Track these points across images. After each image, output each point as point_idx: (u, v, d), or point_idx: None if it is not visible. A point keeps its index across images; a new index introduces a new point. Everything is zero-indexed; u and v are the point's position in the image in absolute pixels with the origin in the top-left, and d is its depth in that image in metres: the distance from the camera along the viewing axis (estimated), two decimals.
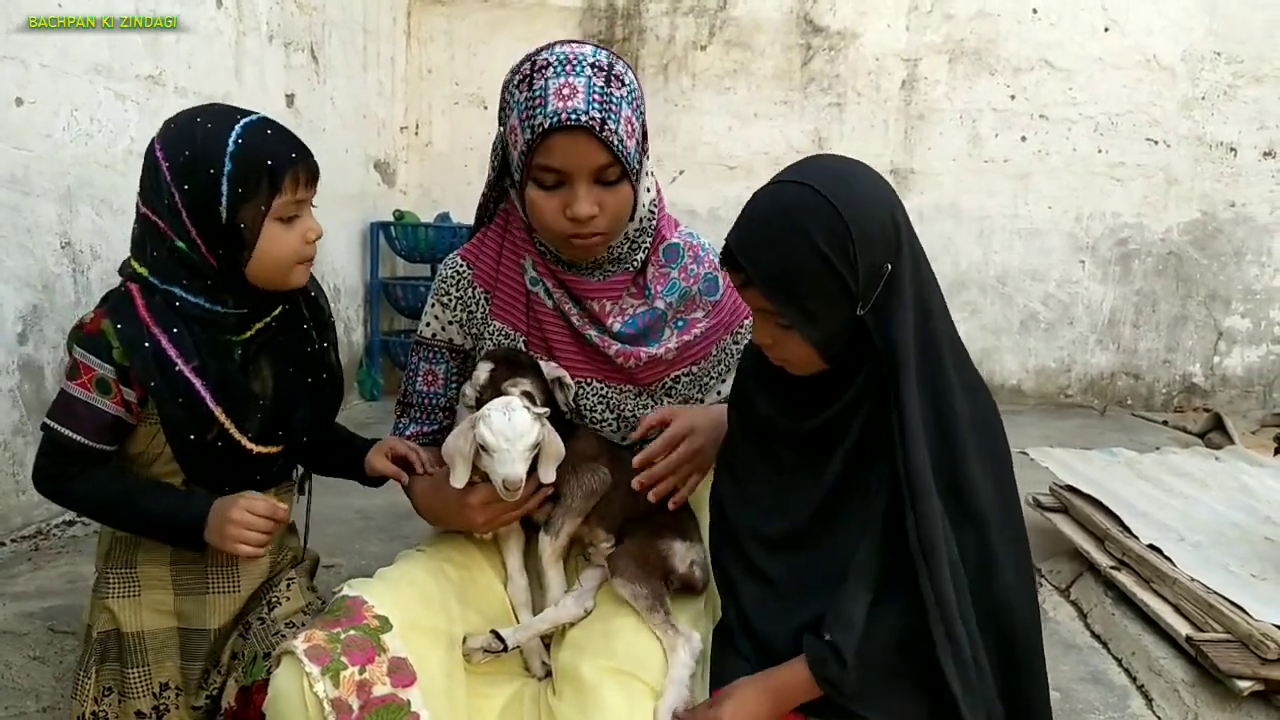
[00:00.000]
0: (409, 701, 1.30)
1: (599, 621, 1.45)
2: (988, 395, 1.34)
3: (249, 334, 1.51)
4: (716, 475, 1.53)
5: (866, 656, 1.23)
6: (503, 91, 1.50)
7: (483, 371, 1.55)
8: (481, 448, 1.42)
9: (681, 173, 5.15)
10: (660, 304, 1.62)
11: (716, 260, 1.67)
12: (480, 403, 1.51)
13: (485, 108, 5.16)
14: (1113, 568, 2.20)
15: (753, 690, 1.30)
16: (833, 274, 1.21)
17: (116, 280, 1.49)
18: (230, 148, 1.39)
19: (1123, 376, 5.21)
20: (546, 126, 1.39)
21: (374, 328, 4.88)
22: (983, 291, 5.15)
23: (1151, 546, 2.13)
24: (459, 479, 1.47)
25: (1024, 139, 5.11)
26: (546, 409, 1.48)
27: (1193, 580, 1.96)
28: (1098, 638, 2.08)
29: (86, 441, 1.43)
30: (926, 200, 5.09)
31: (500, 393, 1.50)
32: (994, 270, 5.18)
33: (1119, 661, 1.96)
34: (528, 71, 1.44)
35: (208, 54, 3.28)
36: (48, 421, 1.44)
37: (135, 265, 1.46)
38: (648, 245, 1.62)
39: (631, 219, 1.56)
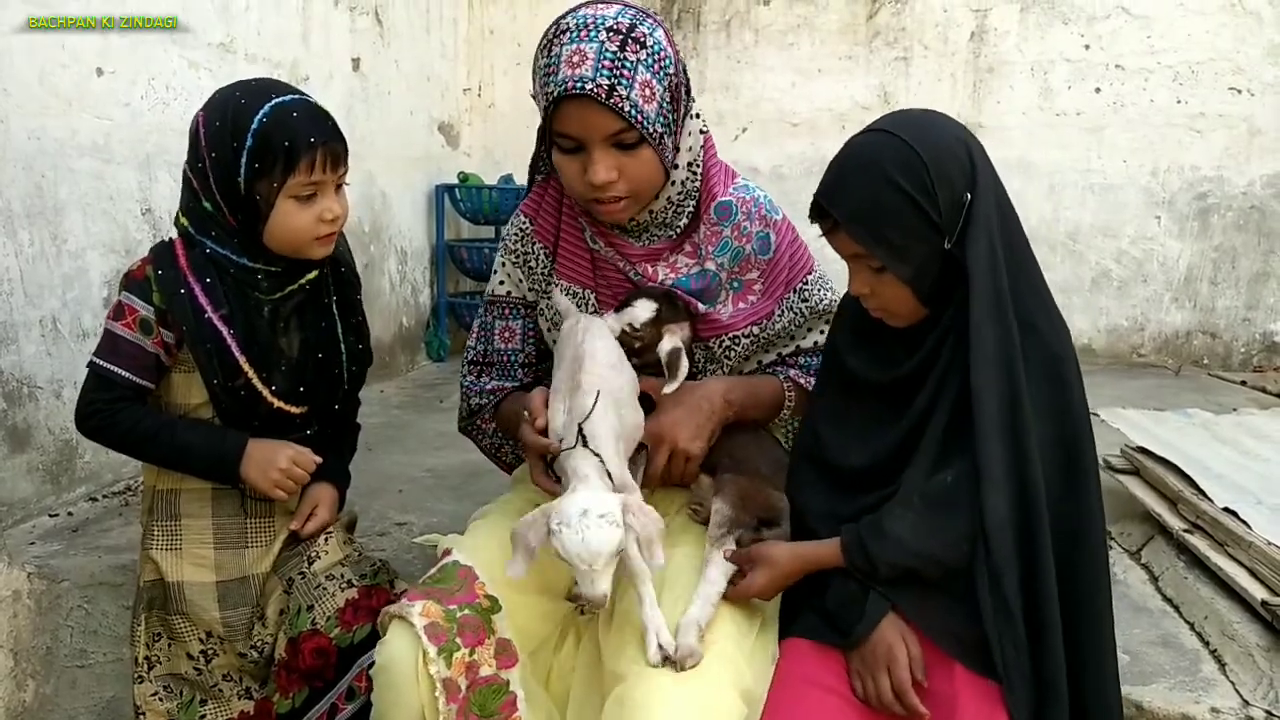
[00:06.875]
0: (508, 682, 1.35)
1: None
2: (1057, 332, 1.35)
3: (280, 295, 1.59)
4: (802, 421, 1.56)
5: (899, 563, 1.29)
6: (534, 54, 1.51)
7: (645, 310, 1.52)
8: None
9: (744, 130, 5.10)
10: (711, 264, 1.61)
11: (771, 214, 1.65)
12: (634, 339, 1.50)
13: None
14: (1185, 531, 2.17)
15: (784, 555, 1.39)
16: (913, 205, 1.26)
17: None
18: (254, 124, 1.46)
19: (1199, 335, 5.06)
20: (556, 94, 1.41)
21: (440, 289, 4.94)
22: (1052, 249, 5.02)
23: (1227, 509, 2.09)
24: (516, 569, 1.27)
25: (1098, 90, 4.94)
26: (625, 499, 1.28)
27: (1270, 544, 1.92)
28: (1169, 601, 2.06)
29: (130, 376, 1.53)
30: (995, 156, 4.68)
31: (660, 335, 1.49)
32: (1065, 227, 5.05)
33: (1191, 626, 1.93)
34: (550, 35, 1.46)
35: (276, 20, 3.32)
36: (94, 359, 1.53)
37: (180, 217, 1.57)
38: (692, 208, 1.60)
39: (670, 182, 1.55)
